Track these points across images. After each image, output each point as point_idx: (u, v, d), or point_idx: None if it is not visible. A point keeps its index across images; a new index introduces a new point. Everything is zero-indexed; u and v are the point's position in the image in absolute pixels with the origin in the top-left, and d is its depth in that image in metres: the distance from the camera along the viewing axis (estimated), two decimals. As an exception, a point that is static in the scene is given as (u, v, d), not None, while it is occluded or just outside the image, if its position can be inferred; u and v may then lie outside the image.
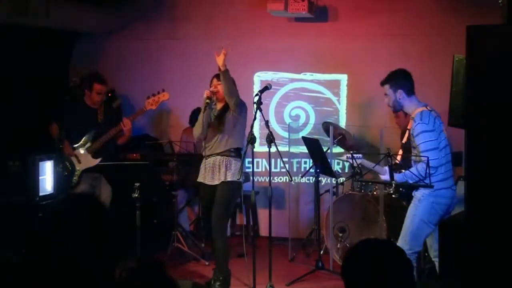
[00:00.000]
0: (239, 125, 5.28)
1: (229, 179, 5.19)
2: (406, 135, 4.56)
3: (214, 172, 5.25)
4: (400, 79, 4.57)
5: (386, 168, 4.50)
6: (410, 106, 4.56)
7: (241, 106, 5.27)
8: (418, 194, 4.51)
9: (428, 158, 4.22)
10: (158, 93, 5.89)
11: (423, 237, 4.49)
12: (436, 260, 4.56)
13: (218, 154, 5.24)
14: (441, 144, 4.43)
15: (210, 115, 5.29)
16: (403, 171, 4.50)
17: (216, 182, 5.23)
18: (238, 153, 5.29)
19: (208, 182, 5.28)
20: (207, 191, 5.32)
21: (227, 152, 5.23)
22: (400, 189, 5.53)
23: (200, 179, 5.38)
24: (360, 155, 4.74)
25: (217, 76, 5.28)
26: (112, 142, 5.97)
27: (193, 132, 5.46)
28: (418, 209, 4.45)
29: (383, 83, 4.62)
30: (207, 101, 5.23)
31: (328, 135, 6.11)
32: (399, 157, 4.65)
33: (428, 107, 4.48)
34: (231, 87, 5.18)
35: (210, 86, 5.31)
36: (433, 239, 4.55)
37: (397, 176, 4.47)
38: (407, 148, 4.72)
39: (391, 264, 2.13)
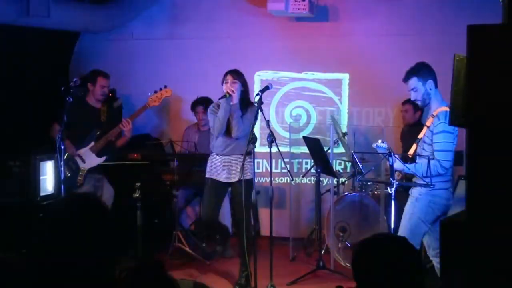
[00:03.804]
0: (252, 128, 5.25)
1: (247, 177, 5.22)
2: (424, 131, 4.51)
3: (231, 169, 5.29)
4: (426, 70, 4.48)
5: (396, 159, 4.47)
6: (436, 100, 4.47)
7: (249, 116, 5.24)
8: (415, 192, 4.50)
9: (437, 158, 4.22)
10: (161, 89, 5.95)
11: (420, 236, 4.48)
12: (435, 260, 4.55)
13: (236, 154, 5.27)
14: (453, 147, 4.41)
15: (229, 112, 5.25)
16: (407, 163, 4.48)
17: (233, 180, 5.28)
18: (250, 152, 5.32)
19: (223, 179, 5.31)
20: (219, 187, 5.35)
21: (244, 153, 5.22)
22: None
23: (211, 175, 5.37)
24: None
25: (231, 73, 5.27)
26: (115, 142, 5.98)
27: (213, 130, 5.37)
28: (416, 208, 4.45)
29: (409, 77, 4.48)
30: (226, 95, 5.21)
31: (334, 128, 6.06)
32: (411, 151, 4.59)
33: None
34: (240, 127, 5.20)
35: (224, 83, 5.28)
36: (431, 238, 4.53)
37: (406, 166, 4.46)
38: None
39: (403, 260, 2.14)
